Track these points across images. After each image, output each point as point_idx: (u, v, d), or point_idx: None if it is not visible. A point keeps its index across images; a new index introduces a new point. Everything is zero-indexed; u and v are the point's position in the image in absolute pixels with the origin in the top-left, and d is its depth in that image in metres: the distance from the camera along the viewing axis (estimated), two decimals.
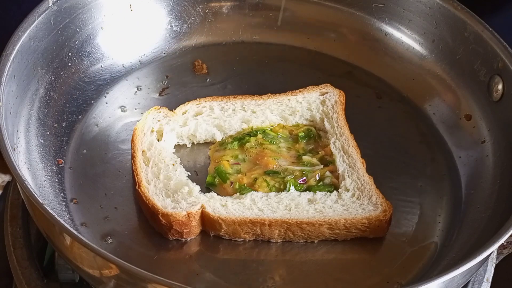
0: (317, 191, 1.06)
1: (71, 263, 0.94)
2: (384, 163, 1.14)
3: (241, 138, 1.12)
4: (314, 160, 1.10)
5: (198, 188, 1.04)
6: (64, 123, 1.14)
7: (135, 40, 1.26)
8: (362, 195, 1.06)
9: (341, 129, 1.14)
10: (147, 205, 1.01)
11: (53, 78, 1.14)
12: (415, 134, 1.20)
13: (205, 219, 1.02)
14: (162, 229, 1.01)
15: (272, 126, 1.15)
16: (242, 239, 1.03)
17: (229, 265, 1.01)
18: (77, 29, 1.18)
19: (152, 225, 1.03)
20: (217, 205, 1.02)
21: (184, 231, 1.01)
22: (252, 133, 1.13)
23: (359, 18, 1.30)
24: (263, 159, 1.09)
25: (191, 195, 1.03)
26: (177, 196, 1.03)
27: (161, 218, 1.00)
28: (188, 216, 1.00)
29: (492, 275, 1.09)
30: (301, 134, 1.14)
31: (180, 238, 1.02)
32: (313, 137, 1.14)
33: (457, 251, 1.03)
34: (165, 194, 1.03)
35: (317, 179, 1.08)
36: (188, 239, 1.02)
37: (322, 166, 1.09)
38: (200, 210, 1.01)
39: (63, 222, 0.89)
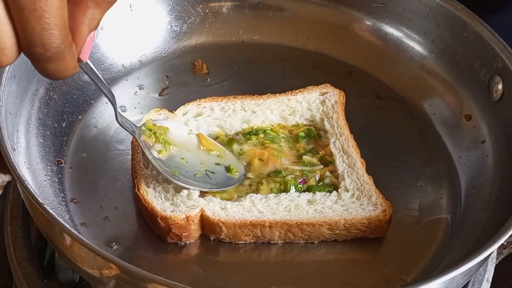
0: (316, 192, 1.06)
1: (71, 263, 0.94)
2: (384, 163, 1.14)
3: None
4: (314, 160, 1.10)
5: (197, 191, 1.04)
6: (64, 123, 1.14)
7: (135, 40, 1.26)
8: (362, 195, 1.06)
9: (341, 129, 1.14)
10: (146, 208, 1.01)
11: None
12: (415, 134, 1.20)
13: (205, 223, 1.01)
14: (160, 232, 1.01)
15: (272, 126, 1.15)
16: (242, 242, 1.03)
17: (230, 268, 1.01)
18: None
19: (151, 227, 1.03)
20: (217, 208, 1.02)
21: (183, 234, 1.00)
22: (253, 133, 1.13)
23: (359, 18, 1.30)
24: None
25: (190, 199, 1.03)
26: (176, 200, 1.03)
27: (160, 221, 0.99)
28: (187, 219, 1.00)
29: (492, 275, 1.09)
30: (301, 134, 1.13)
31: (178, 242, 1.02)
32: (313, 137, 1.14)
33: (457, 251, 1.03)
34: (164, 197, 1.03)
35: (317, 179, 1.08)
36: (188, 242, 1.02)
37: (322, 166, 1.09)
38: (199, 214, 1.01)
39: (63, 222, 0.88)
